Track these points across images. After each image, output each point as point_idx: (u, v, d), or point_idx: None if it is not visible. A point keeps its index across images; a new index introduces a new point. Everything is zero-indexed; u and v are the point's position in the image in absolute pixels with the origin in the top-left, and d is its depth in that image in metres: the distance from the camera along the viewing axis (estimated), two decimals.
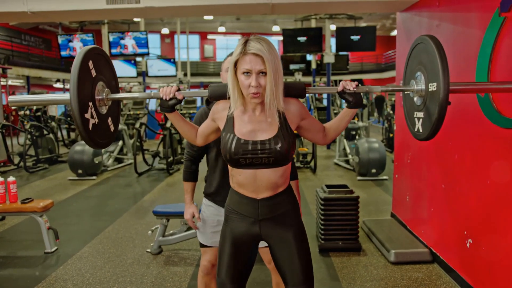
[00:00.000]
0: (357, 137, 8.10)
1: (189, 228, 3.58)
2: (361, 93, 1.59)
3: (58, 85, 21.29)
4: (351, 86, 1.56)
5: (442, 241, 3.17)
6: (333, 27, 12.26)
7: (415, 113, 1.73)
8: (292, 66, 13.63)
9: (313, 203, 4.87)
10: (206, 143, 1.71)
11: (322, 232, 3.53)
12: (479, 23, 2.59)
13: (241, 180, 1.55)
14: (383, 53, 24.88)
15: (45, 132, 8.54)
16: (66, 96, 1.57)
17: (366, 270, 3.18)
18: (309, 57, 12.83)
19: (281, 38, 12.15)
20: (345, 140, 8.14)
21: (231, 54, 1.94)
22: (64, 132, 11.74)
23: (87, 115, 1.53)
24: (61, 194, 5.96)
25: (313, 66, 12.73)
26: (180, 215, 3.55)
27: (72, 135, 11.77)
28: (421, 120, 1.68)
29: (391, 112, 9.76)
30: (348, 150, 7.91)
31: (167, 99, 1.56)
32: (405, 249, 3.35)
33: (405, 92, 1.82)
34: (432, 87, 1.56)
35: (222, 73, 2.00)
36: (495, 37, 2.40)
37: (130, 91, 13.46)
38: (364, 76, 23.63)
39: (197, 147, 2.04)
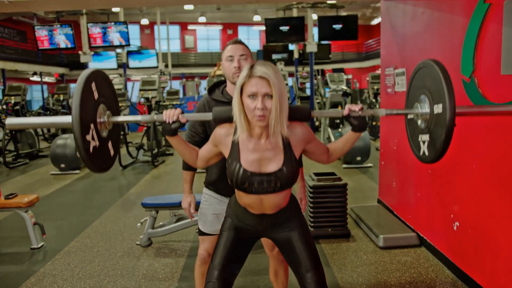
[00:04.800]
0: (341, 125, 8.16)
1: (178, 220, 3.57)
2: (366, 116, 1.60)
3: (35, 78, 20.74)
4: (356, 108, 1.57)
5: (429, 225, 3.25)
6: (315, 17, 12.26)
7: (420, 136, 1.71)
8: (274, 56, 13.63)
9: None
10: (207, 166, 1.72)
11: (312, 219, 3.56)
12: (464, 10, 2.62)
13: (247, 201, 1.61)
14: (363, 42, 25.07)
15: None
16: (68, 118, 1.52)
17: (356, 256, 3.23)
18: (292, 46, 12.84)
19: (262, 28, 12.14)
20: (329, 129, 8.19)
21: (228, 44, 1.94)
22: None
23: (88, 137, 1.50)
24: (44, 189, 5.84)
25: (296, 55, 12.75)
26: (169, 206, 3.53)
27: (52, 129, 11.53)
28: (426, 143, 1.67)
29: (374, 100, 9.87)
30: (332, 139, 7.97)
31: (170, 122, 1.55)
32: (393, 234, 3.41)
33: (409, 117, 1.81)
34: (438, 109, 1.54)
35: (223, 62, 1.97)
36: (480, 24, 2.44)
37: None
38: (345, 65, 23.77)
39: (199, 136, 2.01)
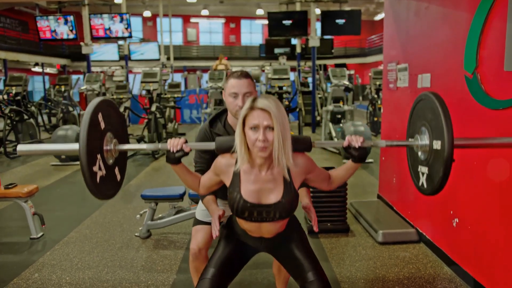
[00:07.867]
0: (342, 120, 8.16)
1: (178, 212, 3.57)
2: (366, 148, 1.60)
3: (37, 69, 20.71)
4: (357, 142, 1.57)
5: (428, 221, 3.24)
6: (318, 11, 12.20)
7: (419, 167, 1.72)
8: (276, 50, 13.58)
9: None
10: (208, 192, 1.75)
11: None
12: (468, 6, 2.60)
13: (246, 227, 1.67)
14: (366, 37, 24.98)
15: (26, 117, 8.33)
16: (75, 146, 1.52)
17: (355, 251, 3.23)
18: (294, 41, 12.79)
19: (265, 22, 12.09)
20: (330, 124, 8.18)
21: (232, 76, 1.92)
22: (45, 117, 11.47)
23: (95, 168, 1.51)
24: (44, 179, 5.85)
25: (298, 50, 12.69)
26: (168, 198, 3.53)
27: (53, 120, 11.53)
28: (425, 175, 1.67)
29: (376, 96, 9.84)
30: (333, 134, 7.97)
31: (174, 151, 1.55)
32: (392, 230, 3.41)
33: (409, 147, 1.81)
34: (437, 145, 1.55)
35: (226, 96, 1.95)
36: (484, 20, 2.41)
37: (112, 75, 13.21)
38: (347, 61, 23.65)
39: (206, 159, 1.95)
